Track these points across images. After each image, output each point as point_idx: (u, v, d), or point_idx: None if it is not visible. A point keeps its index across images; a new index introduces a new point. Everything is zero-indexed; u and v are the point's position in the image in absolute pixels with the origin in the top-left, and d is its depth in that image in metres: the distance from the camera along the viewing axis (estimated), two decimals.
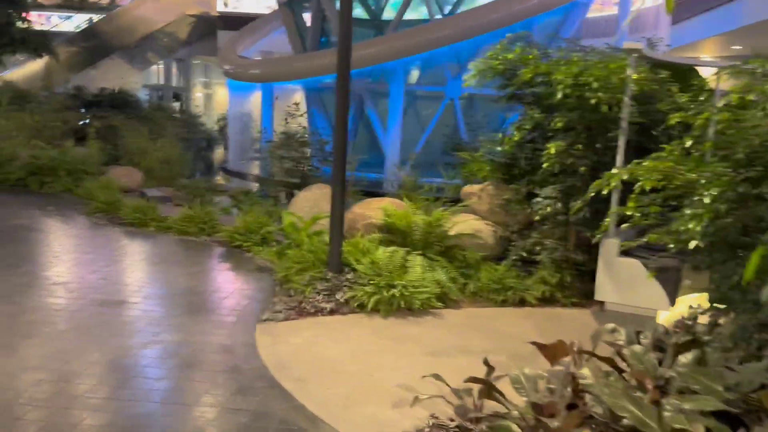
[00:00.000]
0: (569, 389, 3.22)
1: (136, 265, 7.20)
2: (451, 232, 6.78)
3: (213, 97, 40.84)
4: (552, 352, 3.80)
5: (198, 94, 38.82)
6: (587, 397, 3.25)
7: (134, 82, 36.15)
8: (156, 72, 37.91)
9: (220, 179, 18.31)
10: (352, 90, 18.08)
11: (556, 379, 3.30)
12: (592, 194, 3.84)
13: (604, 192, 3.72)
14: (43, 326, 5.07)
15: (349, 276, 6.10)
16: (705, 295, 5.33)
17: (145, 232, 8.82)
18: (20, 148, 13.08)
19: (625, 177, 3.57)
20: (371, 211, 7.36)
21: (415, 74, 16.75)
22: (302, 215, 7.63)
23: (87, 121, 22.19)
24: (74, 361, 4.42)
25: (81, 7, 31.63)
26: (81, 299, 5.79)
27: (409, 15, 17.18)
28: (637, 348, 3.67)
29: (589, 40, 20.11)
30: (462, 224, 6.84)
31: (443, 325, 5.60)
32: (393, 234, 6.99)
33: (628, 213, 3.71)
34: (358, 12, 18.37)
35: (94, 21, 29.51)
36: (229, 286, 6.53)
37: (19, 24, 18.41)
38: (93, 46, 29.67)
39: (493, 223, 7.19)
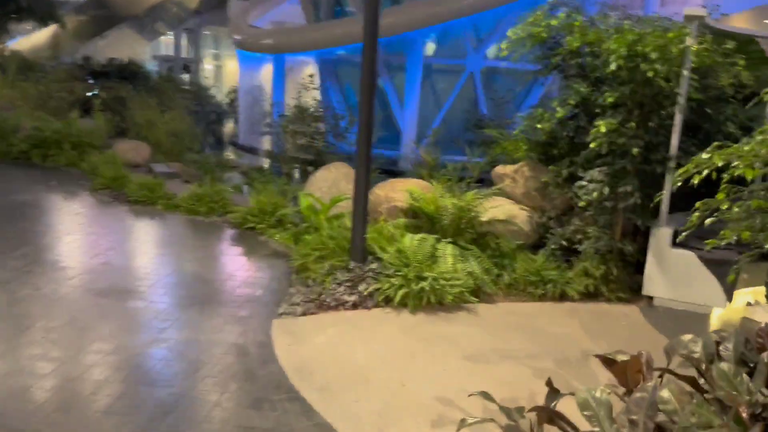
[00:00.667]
0: (653, 424, 2.66)
1: (141, 249, 6.68)
2: (484, 218, 6.19)
3: (223, 69, 40.09)
4: (622, 369, 3.23)
5: (208, 66, 38.08)
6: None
7: (143, 52, 35.54)
8: (165, 43, 37.19)
9: (230, 154, 17.71)
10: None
11: (638, 408, 2.74)
12: (679, 183, 3.23)
13: (695, 181, 3.12)
14: (35, 319, 4.56)
15: (373, 266, 5.54)
16: (762, 290, 4.76)
17: (153, 211, 8.28)
18: (24, 119, 12.55)
19: (720, 163, 2.96)
20: (395, 192, 6.78)
21: (433, 46, 15.98)
22: (320, 196, 7.06)
23: (95, 92, 21.69)
24: (65, 364, 3.91)
25: None
26: (80, 287, 5.28)
27: None
28: (725, 366, 3.09)
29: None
30: (495, 209, 6.25)
31: (478, 322, 5.04)
32: (419, 219, 6.42)
33: (723, 206, 3.10)
34: None
35: None
36: (241, 273, 6.00)
37: None
38: (101, 15, 28.96)
39: (529, 207, 6.59)
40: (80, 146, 11.32)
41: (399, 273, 5.29)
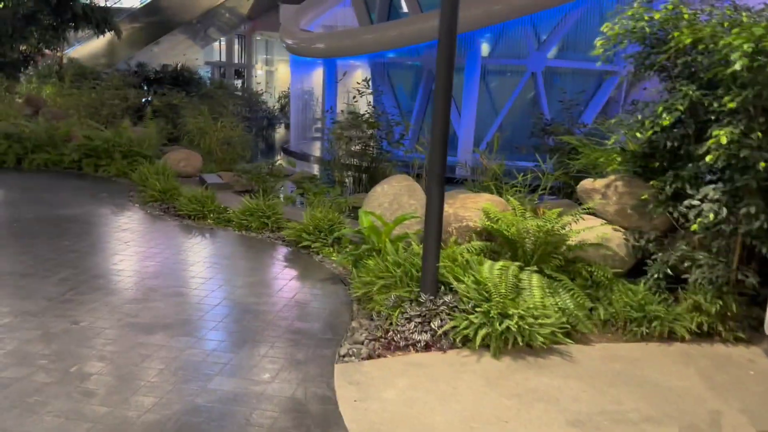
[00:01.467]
0: None
1: (189, 273, 6.14)
2: (572, 241, 5.39)
3: (275, 74, 40.09)
4: None
5: (259, 72, 38.10)
6: None
7: (195, 58, 35.85)
8: (218, 48, 37.40)
9: (281, 160, 17.19)
10: (423, 64, 16.74)
11: None
12: None
13: None
14: (69, 362, 4.02)
15: (446, 298, 4.81)
16: None
17: (203, 226, 7.78)
18: (75, 128, 12.37)
19: None
20: (467, 210, 6.03)
21: (492, 45, 15.15)
22: (381, 213, 6.38)
23: (149, 98, 21.72)
24: (98, 424, 3.33)
25: None
26: (122, 321, 4.75)
27: None
28: None
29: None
30: (585, 230, 5.43)
31: (577, 372, 4.25)
32: (495, 241, 5.66)
33: None
34: None
35: None
36: (296, 302, 5.37)
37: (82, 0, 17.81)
38: (155, 22, 29.13)
39: (623, 228, 5.74)
40: (131, 155, 11.02)
41: (478, 309, 4.55)
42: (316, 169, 15.85)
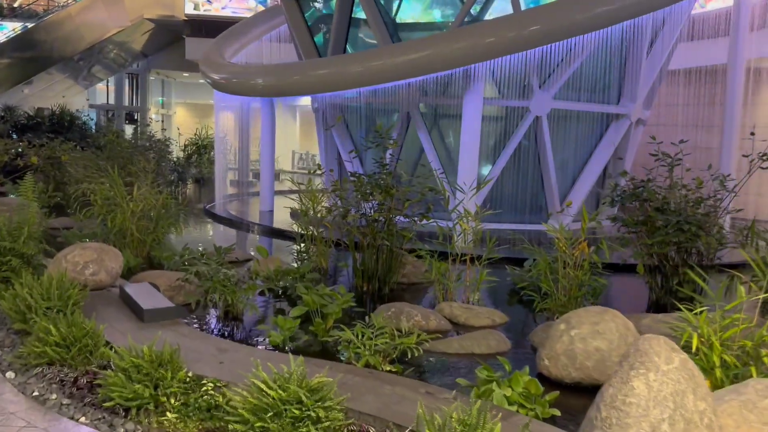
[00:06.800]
0: None
1: None
2: None
3: (172, 119, 35.20)
4: None
5: (153, 116, 33.14)
6: None
7: (87, 100, 30.59)
8: (105, 89, 32.14)
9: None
10: (397, 105, 13.36)
11: None
12: None
13: None
14: None
15: None
16: None
17: None
18: None
19: None
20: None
21: (491, 84, 12.10)
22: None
23: (20, 151, 16.81)
24: None
25: (11, 14, 25.57)
26: None
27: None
28: None
29: (695, 42, 16.12)
30: None
31: None
32: None
33: None
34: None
35: (29, 28, 23.54)
36: None
37: None
38: (26, 58, 23.87)
39: None
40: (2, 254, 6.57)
41: None
42: (256, 241, 11.96)
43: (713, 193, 7.12)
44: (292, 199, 10.19)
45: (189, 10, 24.18)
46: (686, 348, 4.14)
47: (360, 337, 4.71)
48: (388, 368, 4.53)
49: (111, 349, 4.45)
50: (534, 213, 12.40)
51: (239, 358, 4.33)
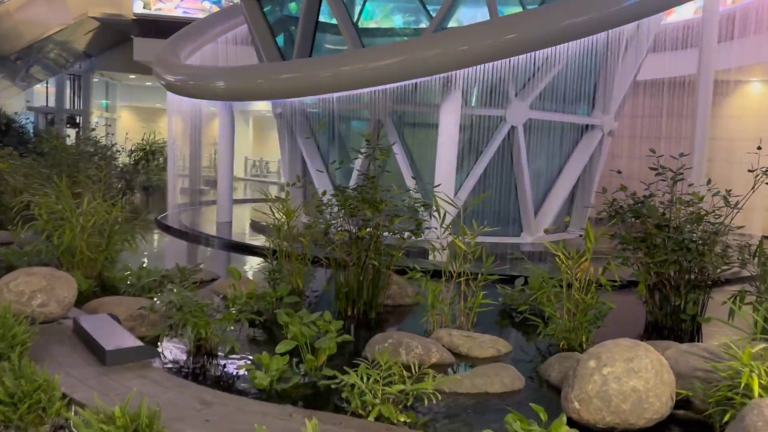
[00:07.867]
0: None
1: None
2: None
3: (117, 123, 33.49)
4: None
5: (97, 119, 31.42)
6: None
7: (28, 101, 28.77)
8: (44, 91, 30.27)
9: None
10: (371, 113, 12.69)
11: None
12: None
13: None
14: None
15: None
16: None
17: None
18: None
19: None
20: None
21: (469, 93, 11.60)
22: None
23: None
24: None
25: None
26: None
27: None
28: None
29: (665, 54, 16.07)
30: None
31: None
32: None
33: None
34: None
35: None
36: None
37: None
38: None
39: None
40: None
41: None
42: (217, 257, 11.15)
43: (712, 209, 6.79)
44: (257, 210, 9.44)
45: (138, 9, 22.92)
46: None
47: (365, 379, 4.07)
48: (402, 418, 3.90)
49: (69, 404, 3.66)
50: (505, 225, 11.97)
51: (228, 414, 3.61)
